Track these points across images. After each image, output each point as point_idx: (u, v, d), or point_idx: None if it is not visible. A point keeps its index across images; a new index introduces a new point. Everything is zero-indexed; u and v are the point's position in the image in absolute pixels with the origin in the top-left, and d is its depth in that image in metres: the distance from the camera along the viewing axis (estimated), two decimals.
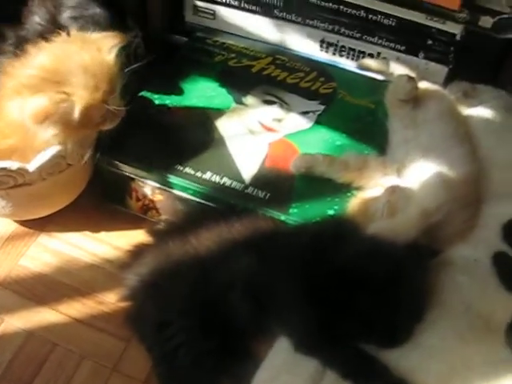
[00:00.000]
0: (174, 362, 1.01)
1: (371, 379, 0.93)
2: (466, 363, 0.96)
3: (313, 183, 1.19)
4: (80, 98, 1.02)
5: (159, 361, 1.04)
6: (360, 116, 1.34)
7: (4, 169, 1.05)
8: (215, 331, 1.00)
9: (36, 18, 1.24)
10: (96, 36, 1.10)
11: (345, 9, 1.39)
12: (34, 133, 1.05)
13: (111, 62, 1.08)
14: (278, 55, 1.47)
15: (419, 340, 0.98)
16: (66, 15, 1.24)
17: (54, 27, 1.22)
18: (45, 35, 1.19)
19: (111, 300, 1.16)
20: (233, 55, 1.46)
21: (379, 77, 1.43)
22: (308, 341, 0.98)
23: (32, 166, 1.07)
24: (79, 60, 1.04)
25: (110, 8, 1.26)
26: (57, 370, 1.07)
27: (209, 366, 1.01)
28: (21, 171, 1.06)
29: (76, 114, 1.02)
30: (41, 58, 1.06)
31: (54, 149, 1.07)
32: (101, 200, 1.30)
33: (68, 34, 1.10)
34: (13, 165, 1.05)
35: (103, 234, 1.27)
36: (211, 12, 1.52)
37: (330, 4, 1.39)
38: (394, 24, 1.38)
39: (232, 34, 1.53)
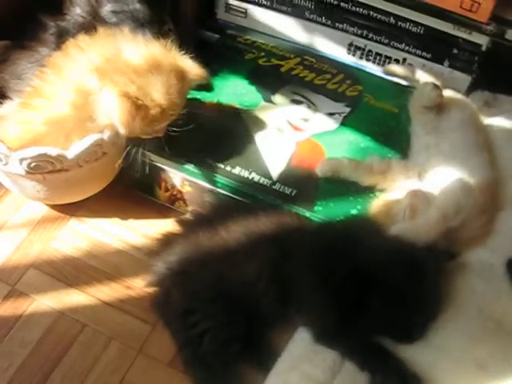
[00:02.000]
0: (198, 347, 1.06)
1: (387, 372, 0.98)
2: (478, 363, 1.00)
3: (337, 183, 1.23)
4: (154, 112, 1.08)
5: (184, 346, 1.08)
6: (384, 120, 1.38)
7: (44, 154, 1.09)
8: (239, 320, 1.05)
9: (77, 10, 1.27)
10: (188, 63, 1.16)
11: (375, 14, 1.43)
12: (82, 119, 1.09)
13: (187, 91, 1.16)
14: (306, 56, 1.52)
15: (433, 339, 1.02)
16: (106, 9, 1.27)
17: (95, 20, 1.26)
18: (85, 27, 1.24)
19: (138, 285, 1.20)
20: (263, 54, 1.51)
21: (404, 82, 1.47)
22: (328, 333, 1.03)
23: (71, 152, 1.11)
24: (165, 79, 1.10)
25: (149, 4, 1.29)
26: (85, 349, 1.12)
27: (232, 352, 1.06)
28: (60, 157, 1.10)
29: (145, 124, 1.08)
30: (131, 55, 1.10)
31: (93, 137, 1.12)
32: (130, 188, 1.34)
33: (168, 48, 1.15)
34: (53, 151, 1.09)
35: (131, 222, 1.32)
36: (243, 10, 1.57)
37: (361, 9, 1.43)
38: (421, 32, 1.41)
39: (262, 32, 1.57)
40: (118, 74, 1.07)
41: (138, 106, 1.06)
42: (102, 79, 1.06)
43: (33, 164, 1.10)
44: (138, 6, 1.27)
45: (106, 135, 1.12)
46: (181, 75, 1.13)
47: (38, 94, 1.13)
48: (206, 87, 1.38)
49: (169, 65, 1.12)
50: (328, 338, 1.03)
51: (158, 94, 1.08)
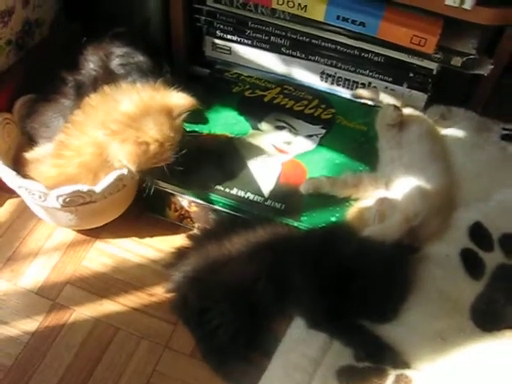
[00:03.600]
0: (213, 339, 1.25)
1: (367, 346, 1.19)
2: (439, 335, 1.22)
3: (318, 196, 1.42)
4: (154, 146, 1.29)
5: (201, 339, 1.28)
6: (355, 138, 1.57)
7: (77, 190, 1.30)
8: (245, 315, 1.26)
9: (91, 65, 1.46)
10: (175, 98, 1.34)
11: (341, 48, 1.63)
12: (103, 161, 1.32)
13: (179, 123, 1.35)
14: (286, 85, 1.71)
15: (403, 318, 1.24)
16: (115, 62, 1.47)
17: (106, 72, 1.46)
18: (98, 79, 1.45)
19: (159, 292, 1.40)
20: (248, 86, 1.70)
21: (371, 103, 1.67)
22: (318, 319, 1.24)
23: (98, 187, 1.31)
24: (156, 118, 1.31)
25: (150, 55, 1.49)
26: (120, 349, 1.31)
27: (241, 341, 1.25)
28: (90, 192, 1.31)
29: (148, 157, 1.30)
30: (126, 105, 1.31)
31: (116, 173, 1.32)
32: (143, 211, 1.54)
33: (157, 89, 1.36)
34: (84, 187, 1.30)
35: (147, 239, 1.52)
36: (227, 48, 1.76)
37: (329, 45, 1.63)
38: (382, 60, 1.61)
39: (246, 66, 1.76)
40: (118, 124, 1.29)
41: (138, 144, 1.28)
42: (106, 131, 1.29)
43: (68, 199, 1.30)
44: (141, 58, 1.47)
45: (125, 171, 1.33)
46: (169, 111, 1.33)
47: (66, 146, 1.34)
48: (202, 120, 1.58)
49: (157, 105, 1.32)
50: (318, 323, 1.24)
51: (153, 131, 1.28)
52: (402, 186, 1.38)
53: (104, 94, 1.35)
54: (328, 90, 1.71)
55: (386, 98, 1.59)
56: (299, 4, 1.51)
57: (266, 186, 1.44)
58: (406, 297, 1.25)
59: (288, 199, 1.42)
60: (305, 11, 1.52)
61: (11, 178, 1.33)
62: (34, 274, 1.44)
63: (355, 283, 1.21)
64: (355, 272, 1.21)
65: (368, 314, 1.23)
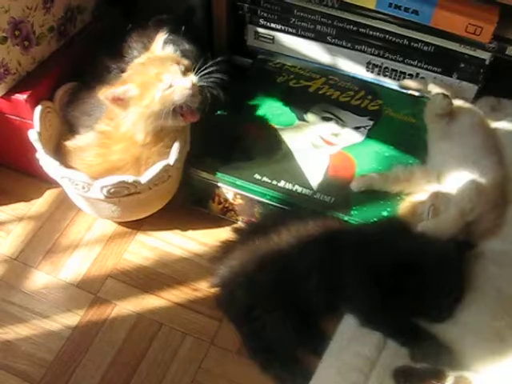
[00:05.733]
0: (261, 337, 1.23)
1: (423, 346, 1.15)
2: (498, 335, 1.16)
3: (368, 189, 1.39)
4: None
5: (248, 337, 1.25)
6: (403, 129, 1.54)
7: (122, 181, 1.27)
8: (294, 312, 1.22)
9: (134, 52, 1.42)
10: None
11: (390, 37, 1.59)
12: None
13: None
14: (331, 75, 1.68)
15: (460, 317, 1.18)
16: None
17: None
18: None
19: (203, 287, 1.37)
20: (292, 76, 1.67)
21: (418, 94, 1.63)
22: (372, 317, 1.20)
23: (144, 178, 1.29)
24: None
25: (195, 43, 1.46)
26: (164, 344, 1.29)
27: (289, 340, 1.22)
28: (135, 183, 1.28)
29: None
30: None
31: (162, 164, 1.29)
32: (186, 203, 1.51)
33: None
34: (129, 178, 1.27)
35: (190, 232, 1.49)
36: (270, 37, 1.73)
37: (377, 34, 1.59)
38: (432, 50, 1.56)
39: (289, 56, 1.73)
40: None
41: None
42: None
43: (112, 190, 1.28)
44: (187, 46, 1.43)
45: (171, 160, 1.30)
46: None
47: (107, 135, 1.33)
48: (246, 110, 1.55)
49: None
50: (371, 321, 1.20)
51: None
52: (455, 180, 1.34)
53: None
54: (374, 81, 1.69)
55: (434, 88, 1.55)
56: None
57: (315, 178, 1.41)
58: (462, 295, 1.19)
59: (337, 192, 1.39)
60: None
61: (54, 168, 1.31)
62: (74, 266, 1.42)
63: (410, 280, 1.16)
64: (410, 269, 1.16)
65: (423, 313, 1.18)
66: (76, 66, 1.47)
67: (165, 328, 1.31)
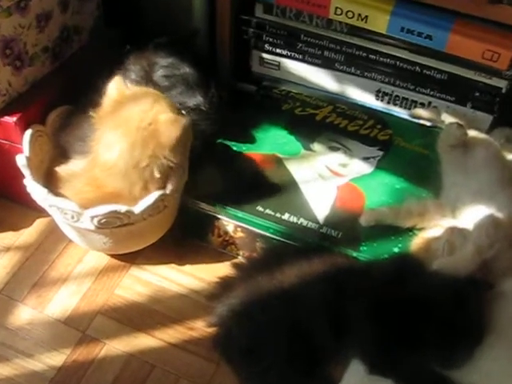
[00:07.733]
0: (262, 382, 1.15)
1: None
2: None
3: (379, 224, 1.31)
4: None
5: (248, 382, 1.17)
6: (415, 161, 1.46)
7: (114, 211, 1.19)
8: (298, 356, 1.13)
9: (132, 75, 1.36)
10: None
11: (401, 64, 1.52)
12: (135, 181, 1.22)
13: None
14: (338, 104, 1.61)
15: (478, 363, 1.09)
16: (159, 73, 1.37)
17: (148, 84, 1.35)
18: None
19: (200, 326, 1.28)
20: (298, 104, 1.60)
21: (430, 124, 1.56)
22: (382, 363, 1.11)
23: (138, 208, 1.21)
24: None
25: (197, 66, 1.39)
26: None
27: None
28: (128, 213, 1.20)
29: None
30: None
31: (157, 193, 1.21)
32: (183, 236, 1.43)
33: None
34: (122, 208, 1.19)
35: (187, 267, 1.40)
36: (276, 63, 1.66)
37: (388, 60, 1.52)
38: (445, 78, 1.49)
39: (295, 83, 1.66)
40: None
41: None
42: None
43: (103, 220, 1.20)
44: (187, 69, 1.37)
45: (168, 190, 1.22)
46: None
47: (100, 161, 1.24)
48: (250, 139, 1.48)
49: None
50: (381, 367, 1.11)
51: None
52: (471, 215, 1.27)
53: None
54: (384, 110, 1.62)
55: (448, 118, 1.48)
56: (359, 14, 1.41)
57: (321, 211, 1.34)
58: (481, 339, 1.10)
59: (345, 226, 1.31)
60: (365, 22, 1.42)
61: (42, 196, 1.23)
62: (62, 301, 1.33)
63: (423, 322, 1.07)
64: (424, 309, 1.07)
65: (438, 358, 1.09)
66: (70, 89, 1.40)
67: (157, 370, 1.23)
